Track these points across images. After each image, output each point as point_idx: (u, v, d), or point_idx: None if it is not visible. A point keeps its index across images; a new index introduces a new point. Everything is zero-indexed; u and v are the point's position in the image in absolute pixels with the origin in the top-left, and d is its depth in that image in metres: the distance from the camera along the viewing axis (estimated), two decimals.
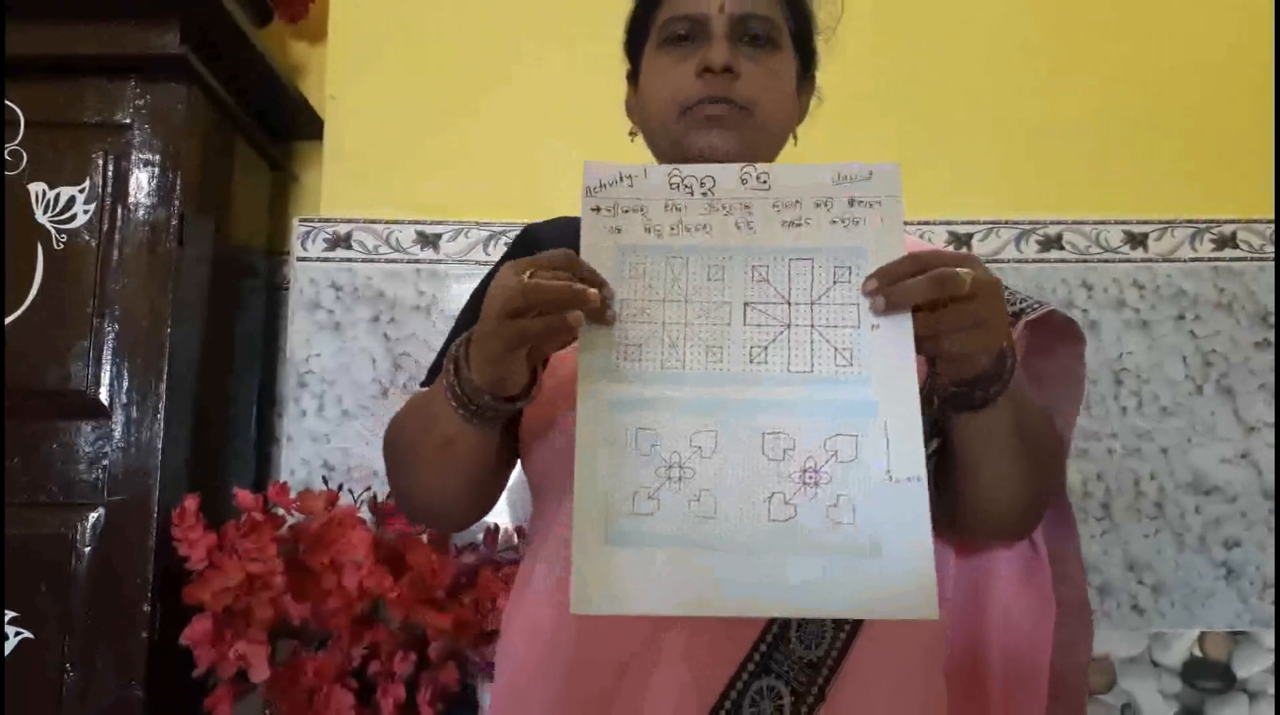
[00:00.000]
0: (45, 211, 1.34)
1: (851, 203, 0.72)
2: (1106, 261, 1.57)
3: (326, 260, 1.58)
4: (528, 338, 0.67)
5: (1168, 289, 1.56)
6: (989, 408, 0.72)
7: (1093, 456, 1.52)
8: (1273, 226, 1.57)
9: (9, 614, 1.24)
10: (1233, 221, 1.58)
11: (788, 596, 0.66)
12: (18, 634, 1.24)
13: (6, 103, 1.35)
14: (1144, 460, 1.52)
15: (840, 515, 0.66)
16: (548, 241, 0.77)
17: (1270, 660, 1.47)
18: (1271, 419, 1.53)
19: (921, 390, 0.69)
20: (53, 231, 1.33)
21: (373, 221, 1.59)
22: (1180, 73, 1.64)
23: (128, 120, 1.36)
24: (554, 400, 0.77)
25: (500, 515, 1.49)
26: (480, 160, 1.63)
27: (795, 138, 0.95)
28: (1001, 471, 0.77)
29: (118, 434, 1.30)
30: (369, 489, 1.49)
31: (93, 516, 1.28)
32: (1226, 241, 1.58)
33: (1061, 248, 1.58)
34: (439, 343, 1.53)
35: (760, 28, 0.88)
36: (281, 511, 1.33)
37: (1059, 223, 1.59)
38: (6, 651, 1.23)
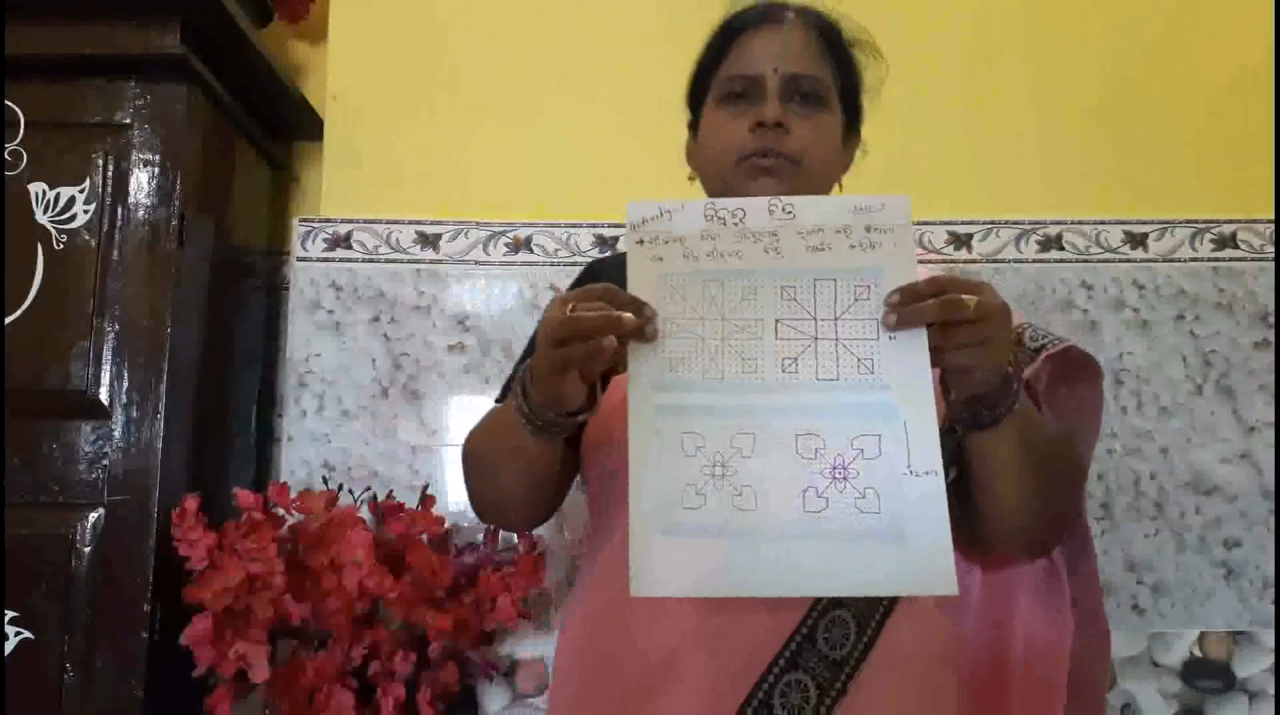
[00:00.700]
0: (45, 211, 1.34)
1: (868, 229, 0.79)
2: (1106, 261, 1.58)
3: (326, 260, 1.58)
4: (572, 362, 0.76)
5: (1168, 289, 1.56)
6: (997, 428, 0.81)
7: (1093, 456, 1.52)
8: (1273, 226, 1.57)
9: (9, 614, 1.24)
10: (1233, 221, 1.58)
11: (822, 578, 0.74)
12: (18, 634, 1.24)
13: (6, 103, 1.35)
14: (1144, 460, 1.52)
15: (867, 505, 0.75)
16: (606, 275, 0.88)
17: (1270, 660, 1.47)
18: (1271, 419, 1.53)
19: (941, 427, 0.77)
20: (53, 231, 1.33)
21: (373, 221, 1.59)
22: (1180, 73, 1.64)
23: (128, 120, 1.36)
24: (611, 416, 0.85)
25: None
26: (480, 160, 1.63)
27: (840, 187, 1.04)
28: (1012, 489, 0.85)
29: (118, 434, 1.30)
30: (369, 489, 1.49)
31: (93, 516, 1.28)
32: (1226, 241, 1.58)
33: (1061, 248, 1.58)
34: (439, 342, 1.55)
35: (810, 87, 0.97)
36: (281, 511, 1.33)
37: (1059, 223, 1.59)
38: (6, 651, 1.23)
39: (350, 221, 1.60)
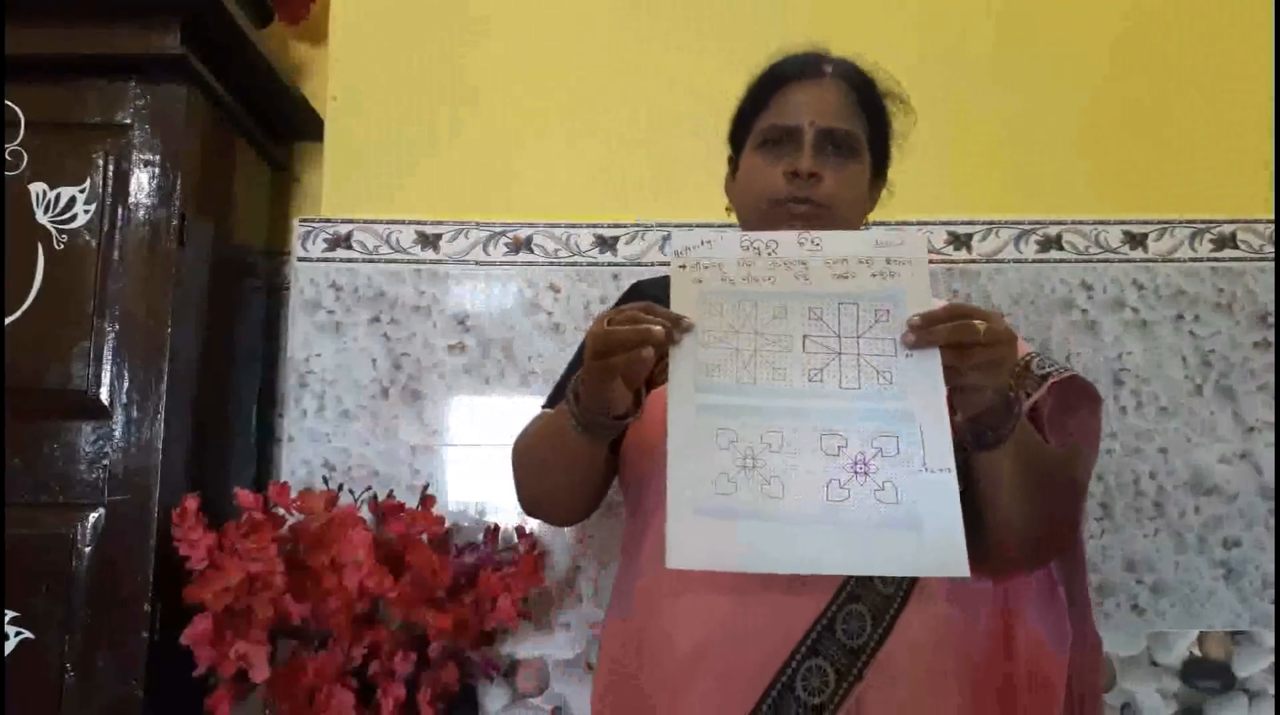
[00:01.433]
0: (46, 211, 1.34)
1: (888, 261, 0.88)
2: (1106, 261, 1.58)
3: (327, 260, 1.58)
4: (612, 371, 0.86)
5: (1167, 289, 1.56)
6: (999, 447, 0.89)
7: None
8: (1272, 226, 1.57)
9: (9, 614, 1.24)
10: (1232, 221, 1.58)
11: (845, 559, 0.82)
12: (18, 634, 1.24)
13: (6, 103, 1.35)
14: (1144, 460, 1.52)
15: (886, 497, 0.82)
16: (649, 292, 1.04)
17: (1270, 660, 1.47)
18: (1271, 419, 1.53)
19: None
20: (53, 231, 1.33)
21: (373, 221, 1.59)
22: (1180, 73, 1.64)
23: (128, 120, 1.37)
24: (649, 425, 0.93)
25: (501, 515, 1.49)
26: (480, 160, 1.63)
27: (867, 222, 1.13)
28: (1013, 505, 0.92)
29: (118, 434, 1.30)
30: (369, 489, 1.49)
31: (93, 516, 1.28)
32: (1226, 241, 1.58)
33: (1061, 248, 1.58)
34: (439, 343, 1.55)
35: (843, 139, 1.05)
36: (282, 511, 1.33)
37: (1059, 223, 1.59)
38: (6, 651, 1.23)
39: (350, 221, 1.60)
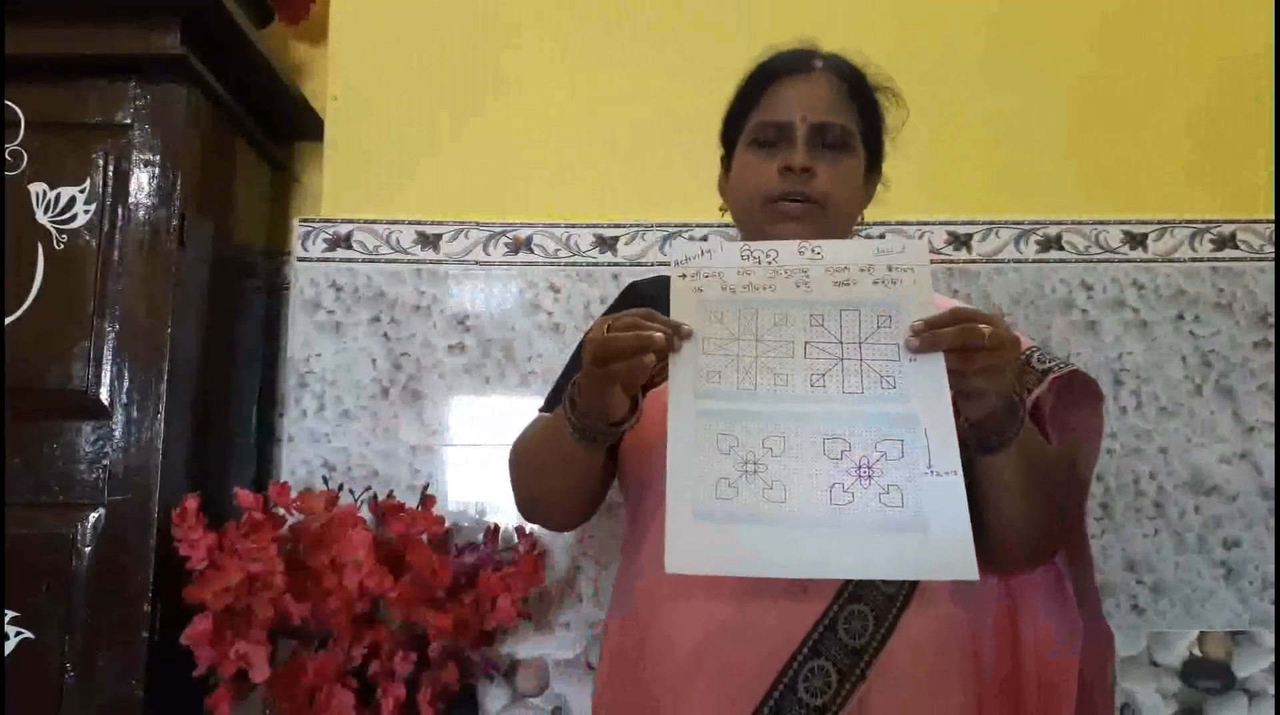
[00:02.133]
0: (46, 211, 1.34)
1: (890, 268, 0.88)
2: (1106, 261, 1.58)
3: (327, 260, 1.58)
4: (612, 378, 0.85)
5: (1167, 289, 1.56)
6: (1002, 451, 0.88)
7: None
8: (1272, 226, 1.57)
9: (9, 614, 1.24)
10: (1232, 221, 1.58)
11: (849, 562, 0.81)
12: (18, 634, 1.24)
13: (6, 103, 1.35)
14: (1144, 460, 1.52)
15: (891, 500, 0.81)
16: (646, 294, 1.04)
17: (1270, 660, 1.47)
18: (1271, 419, 1.53)
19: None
20: (53, 231, 1.33)
21: (373, 221, 1.59)
22: (1180, 73, 1.64)
23: (128, 120, 1.37)
24: (648, 427, 0.93)
25: (501, 515, 1.49)
26: (480, 160, 1.63)
27: (863, 218, 1.12)
28: (1016, 507, 0.92)
29: (118, 434, 1.30)
30: (369, 489, 1.49)
31: (93, 516, 1.28)
32: (1226, 241, 1.58)
33: (1061, 248, 1.58)
34: (439, 343, 1.55)
35: (835, 134, 1.04)
36: (282, 511, 1.33)
37: (1059, 223, 1.59)
38: (6, 651, 1.23)
39: (350, 222, 1.60)
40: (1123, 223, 1.58)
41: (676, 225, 1.58)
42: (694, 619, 0.93)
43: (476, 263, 1.58)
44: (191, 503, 1.27)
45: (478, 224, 1.59)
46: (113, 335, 1.31)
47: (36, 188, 1.34)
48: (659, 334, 0.84)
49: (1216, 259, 1.57)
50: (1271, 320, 1.55)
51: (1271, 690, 1.46)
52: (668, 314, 0.88)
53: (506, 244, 1.59)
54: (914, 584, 0.92)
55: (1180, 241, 1.58)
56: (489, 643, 1.44)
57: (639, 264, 1.58)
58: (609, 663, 1.04)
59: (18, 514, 1.26)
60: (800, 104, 1.04)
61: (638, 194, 1.61)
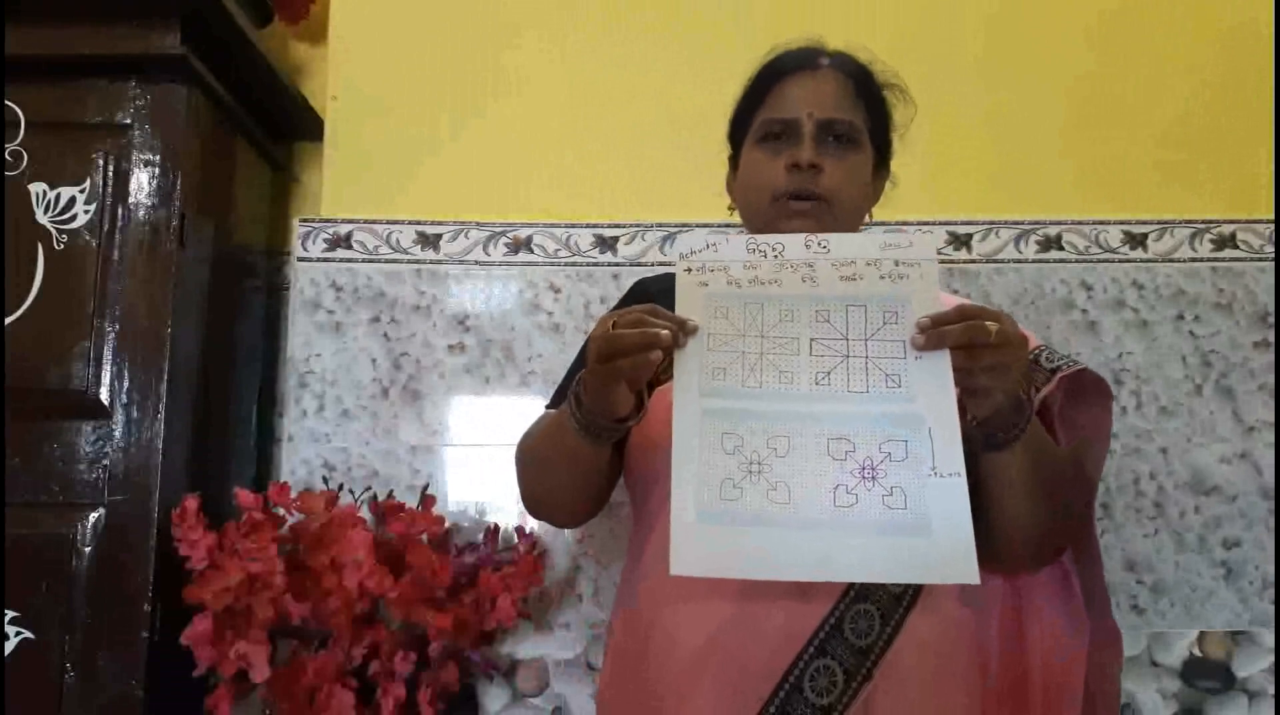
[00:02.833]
0: (46, 211, 1.34)
1: (897, 263, 0.87)
2: (1106, 261, 1.58)
3: (327, 260, 1.58)
4: (617, 375, 0.85)
5: (1167, 289, 1.56)
6: (1008, 450, 0.88)
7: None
8: (1272, 226, 1.57)
9: (9, 614, 1.24)
10: (1232, 221, 1.58)
11: (851, 564, 0.80)
12: (18, 634, 1.24)
13: (6, 103, 1.35)
14: (1144, 460, 1.52)
15: (894, 502, 0.81)
16: (653, 291, 1.03)
17: (1270, 660, 1.47)
18: (1271, 419, 1.53)
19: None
20: (53, 231, 1.33)
21: (373, 221, 1.59)
22: (1180, 73, 1.64)
23: (128, 120, 1.37)
24: (654, 424, 0.92)
25: (501, 515, 1.49)
26: (480, 160, 1.63)
27: (871, 215, 1.12)
28: (1022, 506, 0.92)
29: (118, 434, 1.30)
30: (369, 489, 1.49)
31: (93, 516, 1.28)
32: (1226, 241, 1.58)
33: (1061, 248, 1.58)
34: (439, 343, 1.55)
35: (842, 130, 1.03)
36: (282, 511, 1.33)
37: (1059, 223, 1.59)
38: (6, 651, 1.23)
39: (350, 221, 1.60)
40: (1122, 223, 1.58)
41: (676, 225, 1.58)
42: (698, 618, 0.92)
43: (476, 263, 1.58)
44: (191, 503, 1.27)
45: (478, 224, 1.59)
46: (113, 335, 1.31)
47: (36, 188, 1.34)
48: (664, 331, 0.84)
49: (1216, 259, 1.57)
50: (1271, 320, 1.55)
51: (1271, 690, 1.46)
52: (673, 310, 0.87)
53: (506, 244, 1.59)
54: (920, 584, 0.92)
55: (1180, 241, 1.58)
56: (489, 643, 1.44)
57: (639, 264, 1.58)
58: (613, 661, 1.05)
59: (18, 514, 1.26)
60: (807, 101, 1.03)
61: (638, 194, 1.61)
